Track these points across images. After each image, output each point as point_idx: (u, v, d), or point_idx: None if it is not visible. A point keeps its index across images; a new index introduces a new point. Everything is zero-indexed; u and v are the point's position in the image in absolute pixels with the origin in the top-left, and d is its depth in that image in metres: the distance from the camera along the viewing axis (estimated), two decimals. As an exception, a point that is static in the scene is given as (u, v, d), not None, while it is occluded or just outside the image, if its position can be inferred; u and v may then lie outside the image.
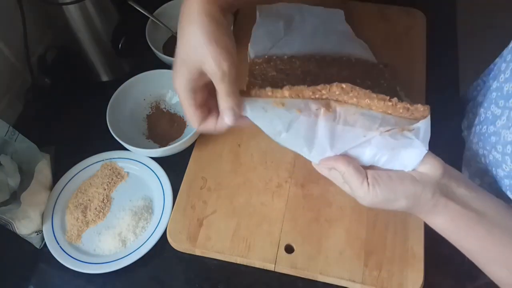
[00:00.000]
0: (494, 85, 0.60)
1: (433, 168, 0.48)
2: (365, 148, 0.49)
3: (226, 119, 0.48)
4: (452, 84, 0.76)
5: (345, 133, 0.50)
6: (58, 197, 0.66)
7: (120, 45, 0.76)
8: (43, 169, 0.67)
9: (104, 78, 0.80)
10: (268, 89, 0.52)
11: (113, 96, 0.70)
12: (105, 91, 0.71)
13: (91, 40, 0.73)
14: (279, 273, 0.60)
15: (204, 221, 0.63)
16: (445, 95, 0.75)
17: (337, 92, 0.51)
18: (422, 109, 0.50)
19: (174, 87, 0.48)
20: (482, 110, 0.62)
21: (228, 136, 0.70)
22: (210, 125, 0.50)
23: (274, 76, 0.72)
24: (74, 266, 0.61)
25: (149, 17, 0.77)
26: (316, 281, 0.59)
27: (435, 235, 0.60)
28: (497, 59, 0.70)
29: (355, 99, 0.51)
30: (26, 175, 0.62)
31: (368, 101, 0.50)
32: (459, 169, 0.69)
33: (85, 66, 0.78)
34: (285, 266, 0.59)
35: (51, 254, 0.62)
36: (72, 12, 0.69)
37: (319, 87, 0.51)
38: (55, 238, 0.63)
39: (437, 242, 0.60)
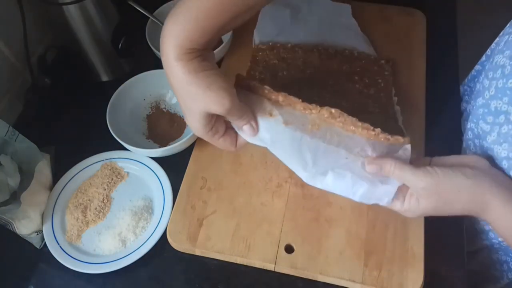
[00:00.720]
0: (480, 101, 0.61)
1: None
2: (347, 172, 0.52)
3: (248, 133, 0.52)
4: (452, 84, 0.76)
5: (328, 152, 0.53)
6: (58, 197, 0.66)
7: (120, 45, 0.76)
8: (43, 169, 0.67)
9: (104, 78, 0.80)
10: (266, 87, 0.53)
11: (113, 96, 0.70)
12: (105, 91, 0.71)
13: (91, 40, 0.73)
14: (279, 273, 0.60)
15: (204, 221, 0.63)
16: (445, 95, 0.75)
17: (325, 115, 0.53)
18: (402, 140, 0.53)
19: (195, 132, 0.51)
20: (472, 125, 0.63)
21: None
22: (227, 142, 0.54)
23: (275, 64, 0.73)
24: (74, 266, 0.61)
25: (149, 17, 0.77)
26: (316, 281, 0.59)
27: (435, 235, 0.61)
28: (477, 66, 0.71)
29: (341, 124, 0.53)
30: (26, 175, 0.62)
31: (353, 128, 0.53)
32: None
33: (85, 66, 0.78)
34: (285, 266, 0.59)
35: (51, 254, 0.62)
36: (72, 12, 0.69)
37: (311, 106, 0.53)
38: (55, 238, 0.63)
39: (437, 242, 0.61)
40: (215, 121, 0.50)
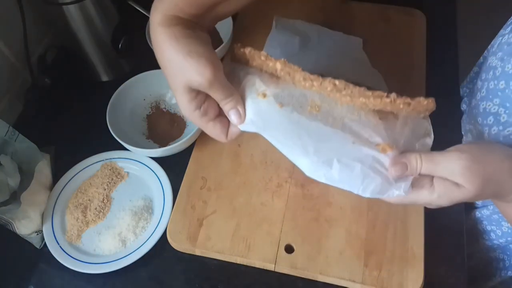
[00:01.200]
0: (473, 103, 0.61)
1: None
2: (355, 163, 0.45)
3: (233, 119, 0.47)
4: (452, 84, 0.76)
5: (331, 136, 0.46)
6: (58, 197, 0.66)
7: (120, 45, 0.76)
8: (43, 169, 0.67)
9: (104, 78, 0.80)
10: (263, 53, 0.47)
11: (113, 96, 0.70)
12: (105, 91, 0.71)
13: (91, 40, 0.73)
14: (279, 273, 0.60)
15: (204, 221, 0.63)
16: (445, 95, 0.74)
17: (328, 88, 0.46)
18: (425, 102, 0.45)
19: (182, 111, 0.48)
20: (471, 127, 0.63)
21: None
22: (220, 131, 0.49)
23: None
24: (74, 266, 0.61)
25: (149, 17, 0.76)
26: (316, 281, 0.59)
27: (435, 235, 0.61)
28: (475, 68, 0.71)
29: (348, 98, 0.46)
30: (26, 175, 0.62)
31: (364, 100, 0.45)
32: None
33: (85, 66, 0.78)
34: (285, 266, 0.59)
35: (51, 254, 0.62)
36: (72, 12, 0.68)
37: (312, 76, 0.46)
38: (55, 238, 0.63)
39: (437, 242, 0.61)
40: (205, 100, 0.46)
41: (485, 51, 0.69)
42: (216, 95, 0.45)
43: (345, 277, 0.58)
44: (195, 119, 0.47)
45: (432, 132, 0.49)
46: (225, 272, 0.61)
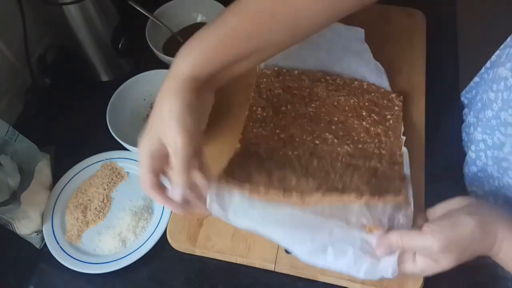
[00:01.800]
0: (489, 113, 0.61)
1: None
2: (348, 247, 0.50)
3: (174, 193, 0.50)
4: (452, 84, 0.76)
5: (323, 225, 0.51)
6: (58, 197, 0.66)
7: (120, 45, 0.76)
8: (43, 169, 0.67)
9: (104, 78, 0.80)
10: (247, 186, 0.53)
11: (113, 96, 0.70)
12: (105, 91, 0.71)
13: (91, 40, 0.73)
14: (279, 273, 0.60)
15: (204, 221, 0.63)
16: (445, 95, 0.75)
17: (311, 203, 0.52)
18: (397, 199, 0.53)
19: (138, 148, 0.50)
20: (486, 136, 0.62)
21: (228, 136, 0.70)
22: (163, 198, 0.50)
23: (279, 95, 0.70)
24: (74, 266, 0.61)
25: (149, 17, 0.77)
26: (316, 281, 0.59)
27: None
28: (476, 78, 0.71)
29: (328, 203, 0.53)
30: (26, 175, 0.62)
31: (342, 203, 0.53)
32: (460, 168, 0.69)
33: (85, 66, 0.78)
34: (285, 266, 0.59)
35: (51, 254, 0.62)
36: (72, 12, 0.68)
37: (295, 199, 0.53)
38: (55, 238, 0.63)
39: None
40: (157, 159, 0.49)
41: (488, 62, 0.68)
42: (174, 163, 0.47)
43: (345, 277, 0.58)
44: (142, 160, 0.49)
45: (412, 200, 0.54)
46: (225, 272, 0.61)
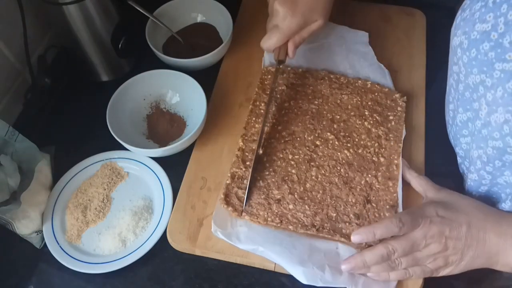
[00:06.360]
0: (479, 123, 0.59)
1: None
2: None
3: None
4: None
5: (318, 246, 0.58)
6: (58, 197, 0.66)
7: (120, 45, 0.76)
8: (43, 169, 0.67)
9: (104, 78, 0.80)
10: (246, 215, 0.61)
11: (113, 96, 0.70)
12: (105, 91, 0.71)
13: (91, 40, 0.73)
14: (279, 273, 0.60)
15: (204, 221, 0.63)
16: (444, 96, 0.74)
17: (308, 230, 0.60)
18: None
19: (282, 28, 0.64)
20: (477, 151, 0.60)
21: (228, 136, 0.70)
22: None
23: (283, 91, 0.71)
24: (74, 266, 0.61)
25: (149, 17, 0.77)
26: (316, 281, 0.59)
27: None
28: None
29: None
30: (26, 175, 0.62)
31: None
32: (460, 171, 0.69)
33: (85, 66, 0.78)
34: (285, 266, 0.59)
35: (51, 254, 0.62)
36: (72, 12, 0.68)
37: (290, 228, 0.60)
38: (55, 238, 0.63)
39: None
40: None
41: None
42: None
43: (345, 277, 0.58)
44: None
45: (401, 204, 0.61)
46: (225, 272, 0.61)
